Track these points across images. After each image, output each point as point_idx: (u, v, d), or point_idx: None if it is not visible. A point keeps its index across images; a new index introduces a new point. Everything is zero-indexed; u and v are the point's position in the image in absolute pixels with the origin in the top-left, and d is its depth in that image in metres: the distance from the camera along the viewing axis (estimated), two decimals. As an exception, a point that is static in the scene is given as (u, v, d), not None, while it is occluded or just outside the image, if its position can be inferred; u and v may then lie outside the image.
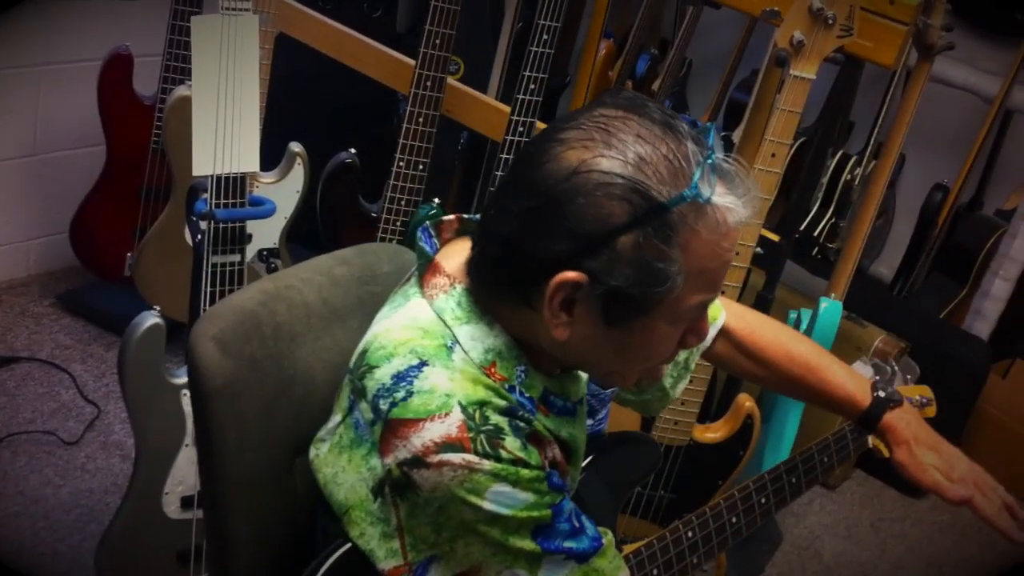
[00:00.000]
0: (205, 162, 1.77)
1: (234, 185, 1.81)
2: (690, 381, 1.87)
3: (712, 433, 2.01)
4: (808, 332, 2.21)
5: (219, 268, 1.84)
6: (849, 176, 3.27)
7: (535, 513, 1.04)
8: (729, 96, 3.72)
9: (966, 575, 2.71)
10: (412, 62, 2.32)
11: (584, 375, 1.19)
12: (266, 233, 2.43)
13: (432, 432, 1.00)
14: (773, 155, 1.74)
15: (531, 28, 2.15)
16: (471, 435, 1.00)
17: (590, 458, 1.27)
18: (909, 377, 1.65)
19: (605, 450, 1.30)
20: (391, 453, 1.02)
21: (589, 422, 1.28)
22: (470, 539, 1.04)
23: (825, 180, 3.31)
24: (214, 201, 1.80)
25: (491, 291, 1.07)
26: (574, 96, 3.62)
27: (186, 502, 1.90)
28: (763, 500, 1.45)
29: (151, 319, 1.78)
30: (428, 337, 1.06)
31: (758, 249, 2.09)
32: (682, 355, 1.36)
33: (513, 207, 1.02)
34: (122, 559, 1.93)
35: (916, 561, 2.72)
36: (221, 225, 1.82)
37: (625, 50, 3.52)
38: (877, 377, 1.60)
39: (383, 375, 1.05)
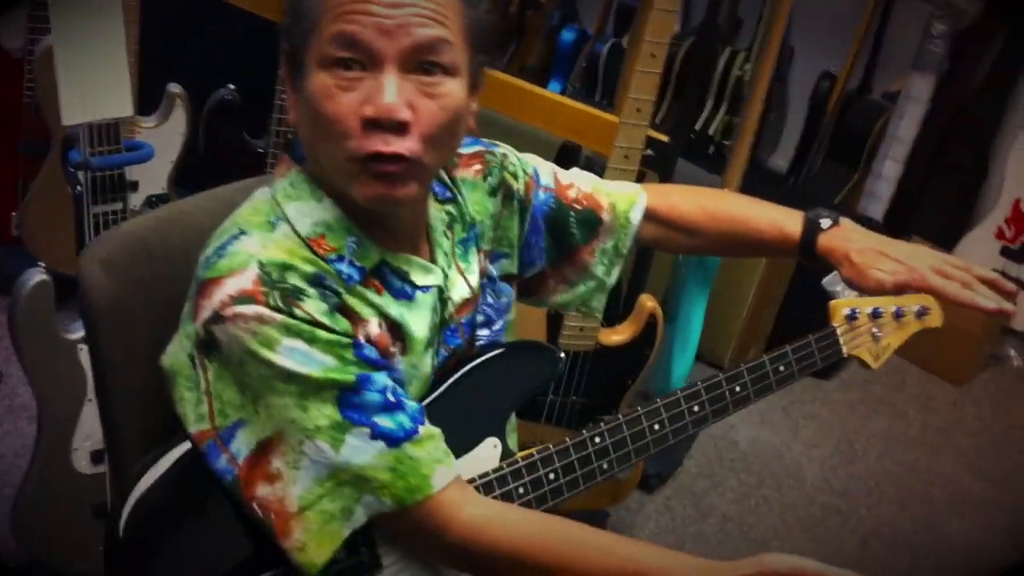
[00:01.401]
0: (75, 111, 1.72)
1: (107, 132, 1.77)
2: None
3: (617, 336, 2.04)
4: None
5: (102, 217, 1.80)
6: (740, 72, 3.29)
7: (336, 376, 1.04)
8: (619, 2, 3.71)
9: (878, 452, 2.80)
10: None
11: (434, 267, 1.18)
12: (152, 179, 2.39)
13: (229, 287, 1.02)
14: (652, 56, 1.75)
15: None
16: (264, 289, 1.02)
17: (478, 361, 1.27)
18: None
19: (499, 357, 1.30)
20: (200, 314, 1.04)
21: (484, 332, 1.29)
22: (271, 399, 1.04)
23: (716, 78, 3.33)
24: (88, 150, 1.75)
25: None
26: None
27: (96, 456, 1.89)
28: (695, 408, 1.39)
29: (37, 276, 1.74)
30: (256, 214, 1.10)
31: (648, 151, 2.11)
32: (611, 242, 1.37)
33: None
34: (37, 518, 1.91)
35: (828, 439, 2.81)
36: (98, 174, 1.78)
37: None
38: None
39: (208, 250, 1.08)
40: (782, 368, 1.45)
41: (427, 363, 1.19)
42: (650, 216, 1.39)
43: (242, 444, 1.06)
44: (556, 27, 3.62)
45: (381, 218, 1.13)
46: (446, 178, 1.25)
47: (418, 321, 1.16)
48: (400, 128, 1.02)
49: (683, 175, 2.73)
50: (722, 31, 3.43)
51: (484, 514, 1.13)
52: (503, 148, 1.33)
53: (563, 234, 1.35)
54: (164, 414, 1.14)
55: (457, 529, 1.11)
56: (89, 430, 1.86)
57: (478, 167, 1.29)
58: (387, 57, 1.01)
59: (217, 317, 1.02)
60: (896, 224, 3.14)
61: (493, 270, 1.31)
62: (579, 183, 1.37)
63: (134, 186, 2.13)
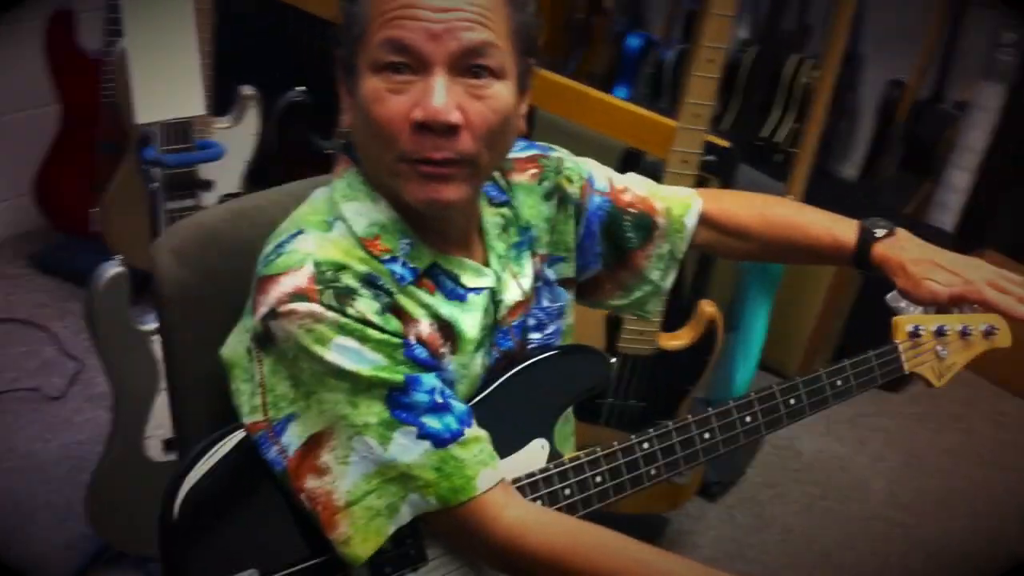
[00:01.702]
0: (148, 110, 1.78)
1: (180, 130, 1.82)
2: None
3: (677, 341, 2.04)
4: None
5: (176, 214, 1.86)
6: (807, 79, 3.27)
7: (385, 375, 1.06)
8: (686, 8, 3.70)
9: (946, 467, 2.76)
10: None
11: (486, 270, 1.20)
12: (227, 178, 2.44)
13: (285, 285, 1.05)
14: (710, 60, 1.75)
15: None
16: (319, 287, 1.05)
17: (528, 363, 1.28)
18: (976, 306, 1.62)
19: (549, 359, 1.32)
20: (257, 310, 1.07)
21: (536, 335, 1.30)
22: (323, 395, 1.06)
23: (783, 85, 3.31)
24: (162, 148, 1.81)
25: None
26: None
27: (168, 444, 1.94)
28: (747, 419, 1.36)
29: (113, 268, 1.80)
30: (314, 213, 1.13)
31: (710, 157, 2.11)
32: (666, 246, 1.38)
33: None
34: (110, 504, 1.97)
35: (895, 452, 2.78)
36: (172, 171, 1.83)
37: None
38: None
39: (268, 247, 1.12)
40: (839, 383, 1.43)
41: (477, 363, 1.21)
42: (705, 221, 1.40)
43: (293, 437, 1.09)
44: (622, 33, 3.63)
45: (434, 220, 1.15)
46: (501, 182, 1.27)
47: (469, 321, 1.18)
48: (449, 131, 1.05)
49: (748, 181, 2.72)
50: (789, 38, 3.41)
51: (524, 518, 1.14)
52: (559, 152, 1.35)
53: (618, 238, 1.36)
54: (229, 401, 1.18)
55: (498, 531, 1.12)
56: (161, 419, 1.91)
57: (533, 171, 1.31)
58: (435, 61, 1.03)
59: (273, 313, 1.05)
60: (968, 236, 3.09)
61: (550, 274, 1.32)
62: (634, 187, 1.38)
63: (209, 185, 2.18)
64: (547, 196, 1.31)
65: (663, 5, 3.87)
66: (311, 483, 1.09)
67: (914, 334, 1.48)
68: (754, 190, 2.61)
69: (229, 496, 1.14)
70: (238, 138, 2.54)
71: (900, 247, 1.34)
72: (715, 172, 2.15)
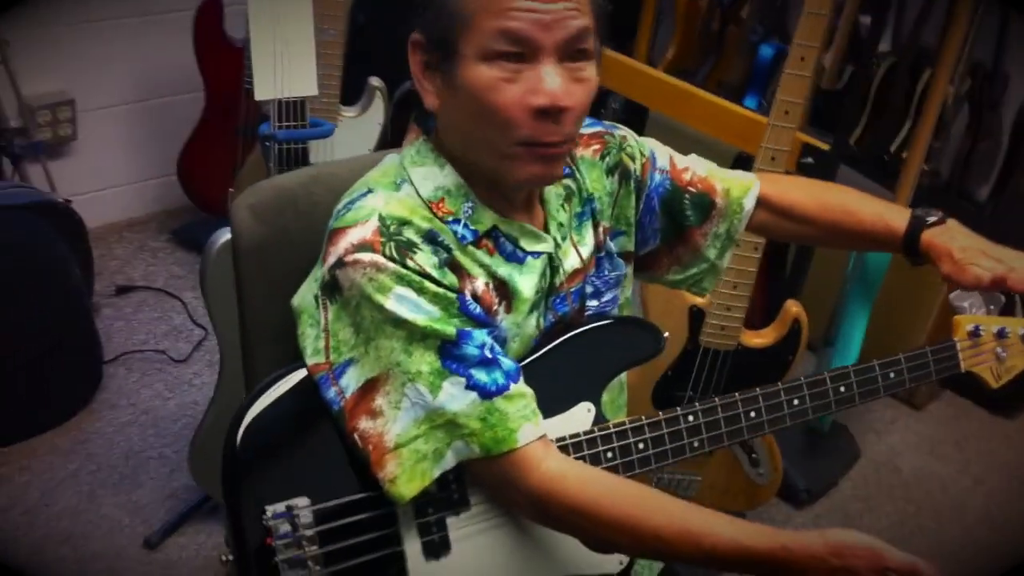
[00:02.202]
0: (266, 88, 1.91)
1: (294, 109, 1.95)
2: (734, 287, 1.94)
3: (760, 339, 2.05)
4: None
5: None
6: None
7: (439, 326, 1.13)
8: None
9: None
10: None
11: (545, 236, 1.26)
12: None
13: (352, 236, 1.14)
14: (802, 59, 1.77)
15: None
16: (382, 240, 1.12)
17: (582, 329, 1.33)
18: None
19: (603, 327, 1.35)
20: (327, 260, 1.16)
21: (594, 303, 1.35)
22: (380, 342, 1.14)
23: (915, 100, 3.24)
24: (276, 124, 1.94)
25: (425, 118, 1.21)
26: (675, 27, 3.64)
27: (265, 405, 2.06)
28: (795, 402, 1.41)
29: (224, 236, 1.93)
30: (384, 176, 1.21)
31: (807, 159, 2.12)
32: (724, 226, 1.42)
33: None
34: (211, 459, 2.11)
35: (1001, 477, 2.69)
36: (284, 146, 1.96)
37: (714, -22, 3.52)
38: (991, 306, 1.59)
39: (340, 204, 1.20)
40: (892, 375, 1.45)
41: (531, 324, 1.27)
42: (763, 203, 1.43)
43: (351, 380, 1.17)
44: (756, 43, 3.62)
45: (502, 188, 1.21)
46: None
47: (525, 282, 1.24)
48: (561, 113, 1.11)
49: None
50: (927, 52, 3.34)
51: (562, 469, 1.19)
52: (622, 130, 1.40)
53: (678, 215, 1.41)
54: (293, 349, 1.27)
55: (534, 480, 1.18)
56: (259, 380, 2.03)
57: (597, 147, 1.36)
58: (546, 49, 1.10)
59: (340, 263, 1.14)
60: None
61: (612, 246, 1.37)
62: (695, 167, 1.42)
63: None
64: (609, 171, 1.36)
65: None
66: (364, 424, 1.17)
67: (974, 334, 1.48)
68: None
69: (287, 430, 1.23)
70: (364, 127, 2.67)
71: (949, 235, 1.35)
72: (812, 174, 2.16)
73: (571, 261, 1.30)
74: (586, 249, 1.33)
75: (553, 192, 1.30)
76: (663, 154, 1.42)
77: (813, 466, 2.53)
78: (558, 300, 1.30)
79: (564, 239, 1.29)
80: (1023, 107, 3.16)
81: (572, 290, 1.32)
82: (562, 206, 1.30)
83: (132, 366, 2.70)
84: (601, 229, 1.35)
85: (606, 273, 1.37)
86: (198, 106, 3.00)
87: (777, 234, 1.49)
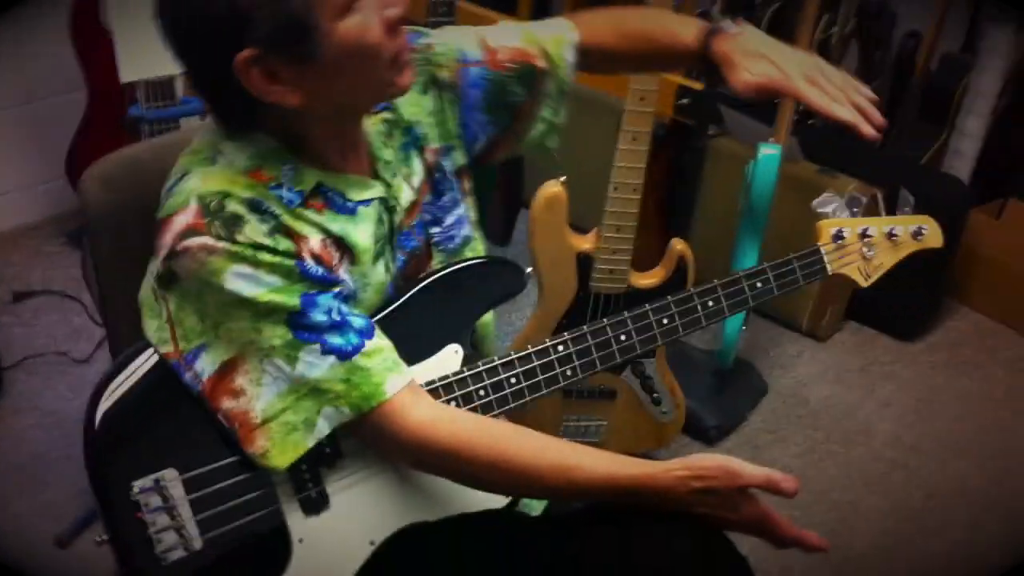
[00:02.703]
0: (130, 68, 1.89)
1: (162, 88, 1.93)
2: (617, 229, 1.96)
3: (648, 279, 2.07)
4: (752, 178, 2.26)
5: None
6: (823, 35, 3.25)
7: (282, 298, 1.12)
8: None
9: (957, 412, 2.73)
10: None
11: (372, 182, 1.26)
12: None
13: (177, 224, 1.12)
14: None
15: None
16: (206, 220, 1.11)
17: (440, 274, 1.34)
18: (907, 209, 1.66)
19: (462, 269, 1.35)
20: (159, 253, 1.15)
21: (436, 229, 1.36)
22: (229, 324, 1.14)
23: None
24: (144, 104, 1.92)
25: (236, 125, 1.19)
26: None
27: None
28: (664, 321, 1.45)
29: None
30: (195, 154, 1.19)
31: (684, 100, 2.15)
32: (552, 85, 1.42)
33: (180, 59, 1.14)
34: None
35: (905, 399, 2.76)
36: (156, 127, 1.94)
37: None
38: (854, 209, 1.60)
39: (162, 193, 1.19)
40: (759, 284, 1.50)
41: (379, 272, 1.27)
42: (581, 51, 1.43)
43: (206, 364, 1.17)
44: None
45: (316, 142, 1.20)
46: None
47: (361, 233, 1.23)
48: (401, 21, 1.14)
49: (740, 127, 2.74)
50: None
51: (431, 414, 1.21)
52: (426, 38, 1.37)
53: (506, 98, 1.40)
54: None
55: (408, 427, 1.19)
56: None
57: None
58: None
59: (172, 253, 1.13)
60: (985, 184, 3.04)
61: (446, 165, 1.37)
62: (508, 41, 1.40)
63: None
64: (424, 90, 1.35)
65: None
66: (227, 404, 1.17)
67: (838, 236, 1.54)
68: (747, 134, 2.64)
69: (148, 404, 1.22)
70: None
71: (738, 42, 1.30)
72: (690, 114, 2.19)
73: (406, 196, 1.30)
74: (417, 179, 1.33)
75: (374, 131, 1.29)
76: (473, 44, 1.39)
77: (721, 403, 2.57)
78: (403, 238, 1.30)
79: (394, 176, 1.29)
80: (904, 41, 3.22)
81: (414, 224, 1.32)
82: (384, 143, 1.30)
83: (34, 370, 2.65)
84: (428, 153, 1.35)
85: (443, 198, 1.37)
86: (82, 104, 2.94)
87: (596, 71, 1.50)
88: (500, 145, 1.43)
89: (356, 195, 1.23)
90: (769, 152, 2.24)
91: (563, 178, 1.97)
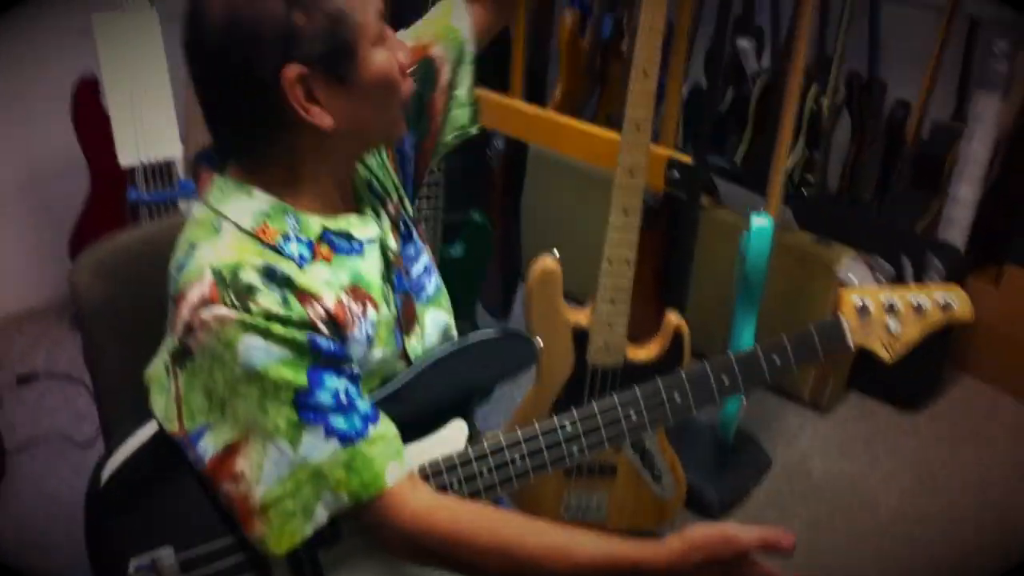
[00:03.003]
0: (129, 152, 1.92)
1: (160, 171, 1.96)
2: (612, 302, 1.97)
3: (645, 352, 2.08)
4: (746, 249, 2.28)
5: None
6: (814, 107, 3.29)
7: (290, 374, 1.13)
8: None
9: (962, 482, 2.71)
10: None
11: (369, 219, 1.27)
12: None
13: (192, 297, 1.13)
14: (645, 74, 1.82)
15: None
16: (220, 291, 1.12)
17: (450, 350, 1.33)
18: (936, 277, 1.58)
19: (473, 344, 1.35)
20: (175, 329, 1.16)
21: (406, 279, 1.36)
22: (235, 403, 1.14)
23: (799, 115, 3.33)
24: (143, 187, 1.95)
25: (242, 159, 1.21)
26: (560, 69, 3.72)
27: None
28: (677, 398, 1.40)
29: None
30: (199, 226, 1.20)
31: (674, 173, 2.17)
32: (453, 61, 1.45)
33: (208, 75, 1.15)
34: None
35: (909, 471, 2.74)
36: (153, 209, 1.97)
37: (592, 15, 3.60)
38: (879, 276, 1.54)
39: (171, 271, 1.20)
40: (777, 359, 1.42)
41: (385, 310, 1.28)
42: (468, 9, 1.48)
43: (209, 444, 1.17)
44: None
45: (317, 185, 1.23)
46: None
47: (371, 271, 1.26)
48: None
49: (738, 201, 2.77)
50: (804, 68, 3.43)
51: (429, 503, 1.22)
52: None
53: (417, 104, 1.43)
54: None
55: (406, 517, 1.19)
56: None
57: None
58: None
59: (188, 327, 1.14)
60: (980, 251, 3.06)
61: (404, 216, 1.39)
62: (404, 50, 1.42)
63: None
64: None
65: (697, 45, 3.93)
66: (228, 486, 1.17)
67: (861, 307, 1.46)
68: (740, 204, 2.66)
69: (148, 481, 1.23)
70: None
71: None
72: (682, 186, 2.21)
73: (391, 239, 1.32)
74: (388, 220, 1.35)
75: (358, 180, 1.33)
76: None
77: (724, 478, 2.56)
78: (396, 277, 1.32)
79: (379, 217, 1.32)
80: (894, 109, 3.26)
81: (403, 265, 1.34)
82: (367, 190, 1.34)
83: (37, 454, 2.66)
84: (390, 207, 1.37)
85: (408, 248, 1.38)
86: (86, 186, 2.98)
87: (491, 29, 1.53)
88: (426, 150, 1.47)
89: (360, 233, 1.25)
90: (761, 223, 2.26)
91: (556, 252, 1.99)
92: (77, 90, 2.81)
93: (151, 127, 1.92)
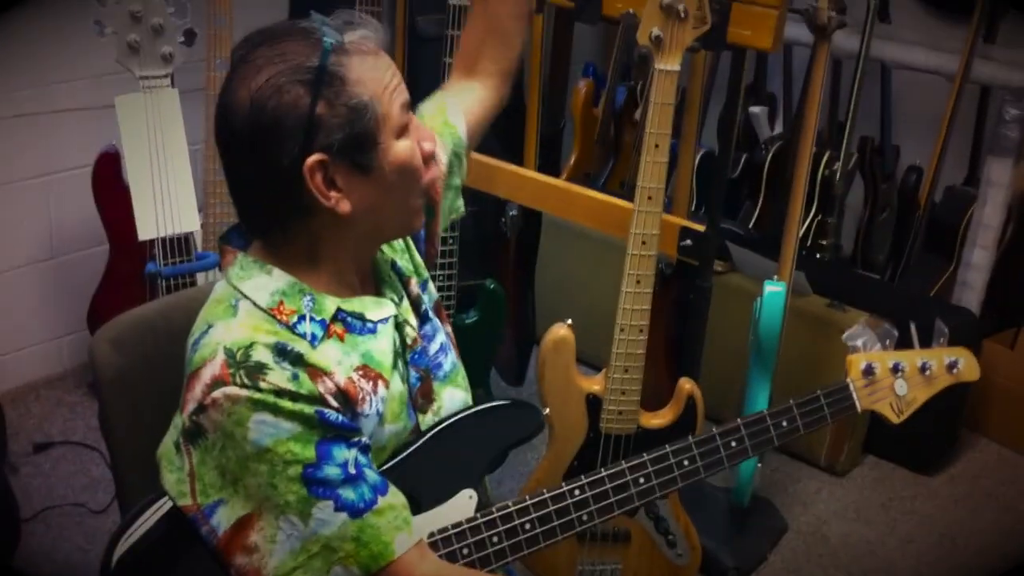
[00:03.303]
0: (148, 226, 1.96)
1: (178, 243, 1.99)
2: (625, 370, 1.98)
3: (658, 419, 2.08)
4: (759, 315, 2.29)
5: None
6: (827, 172, 3.32)
7: (299, 448, 1.15)
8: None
9: (980, 546, 2.68)
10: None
11: (385, 300, 1.30)
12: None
13: (204, 377, 1.16)
14: (656, 146, 1.85)
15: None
16: (231, 371, 1.14)
17: (457, 418, 1.35)
18: (942, 340, 1.63)
19: (478, 412, 1.37)
20: (186, 407, 1.18)
21: (434, 347, 1.39)
22: (247, 479, 1.16)
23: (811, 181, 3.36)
24: (161, 260, 1.98)
25: (265, 239, 1.24)
26: (574, 138, 3.77)
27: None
28: (685, 463, 1.44)
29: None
30: (218, 304, 1.23)
31: (687, 241, 2.19)
32: (451, 153, 1.48)
33: (235, 160, 1.20)
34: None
35: (927, 535, 2.72)
36: (172, 282, 2.00)
37: (607, 85, 3.66)
38: (886, 341, 1.57)
39: (187, 348, 1.22)
40: (784, 423, 1.47)
41: (397, 384, 1.30)
42: (460, 92, 1.54)
43: (222, 519, 1.19)
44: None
45: (334, 271, 1.26)
46: None
47: (383, 350, 1.27)
48: None
49: (751, 268, 2.78)
50: (817, 135, 3.47)
51: (436, 573, 1.24)
52: None
53: None
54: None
55: None
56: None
57: None
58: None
59: (200, 407, 1.17)
60: (1000, 315, 3.06)
61: (426, 298, 1.42)
62: None
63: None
64: None
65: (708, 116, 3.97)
66: (241, 560, 1.19)
67: (868, 371, 1.50)
68: (754, 270, 2.67)
69: (162, 555, 1.24)
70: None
71: None
72: (693, 256, 2.23)
73: (411, 318, 1.35)
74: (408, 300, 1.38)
75: (379, 258, 1.36)
76: None
77: (740, 543, 2.54)
78: (416, 356, 1.34)
79: (401, 299, 1.34)
80: (906, 175, 3.29)
81: (423, 344, 1.36)
82: (390, 270, 1.37)
83: (51, 521, 2.66)
84: (412, 286, 1.40)
85: (425, 327, 1.40)
86: (104, 258, 3.02)
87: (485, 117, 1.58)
88: (432, 233, 1.50)
89: (374, 315, 1.28)
90: (774, 289, 2.27)
91: (569, 321, 2.01)
92: (98, 164, 2.87)
93: (171, 201, 1.95)
